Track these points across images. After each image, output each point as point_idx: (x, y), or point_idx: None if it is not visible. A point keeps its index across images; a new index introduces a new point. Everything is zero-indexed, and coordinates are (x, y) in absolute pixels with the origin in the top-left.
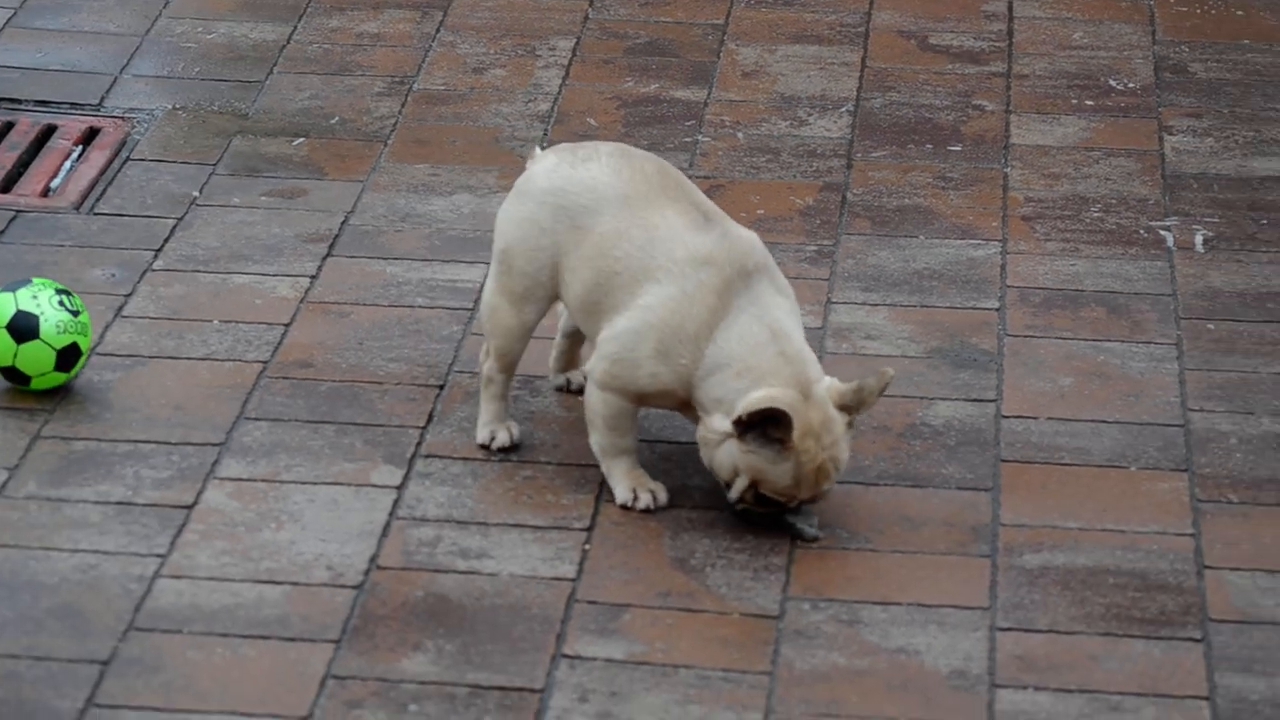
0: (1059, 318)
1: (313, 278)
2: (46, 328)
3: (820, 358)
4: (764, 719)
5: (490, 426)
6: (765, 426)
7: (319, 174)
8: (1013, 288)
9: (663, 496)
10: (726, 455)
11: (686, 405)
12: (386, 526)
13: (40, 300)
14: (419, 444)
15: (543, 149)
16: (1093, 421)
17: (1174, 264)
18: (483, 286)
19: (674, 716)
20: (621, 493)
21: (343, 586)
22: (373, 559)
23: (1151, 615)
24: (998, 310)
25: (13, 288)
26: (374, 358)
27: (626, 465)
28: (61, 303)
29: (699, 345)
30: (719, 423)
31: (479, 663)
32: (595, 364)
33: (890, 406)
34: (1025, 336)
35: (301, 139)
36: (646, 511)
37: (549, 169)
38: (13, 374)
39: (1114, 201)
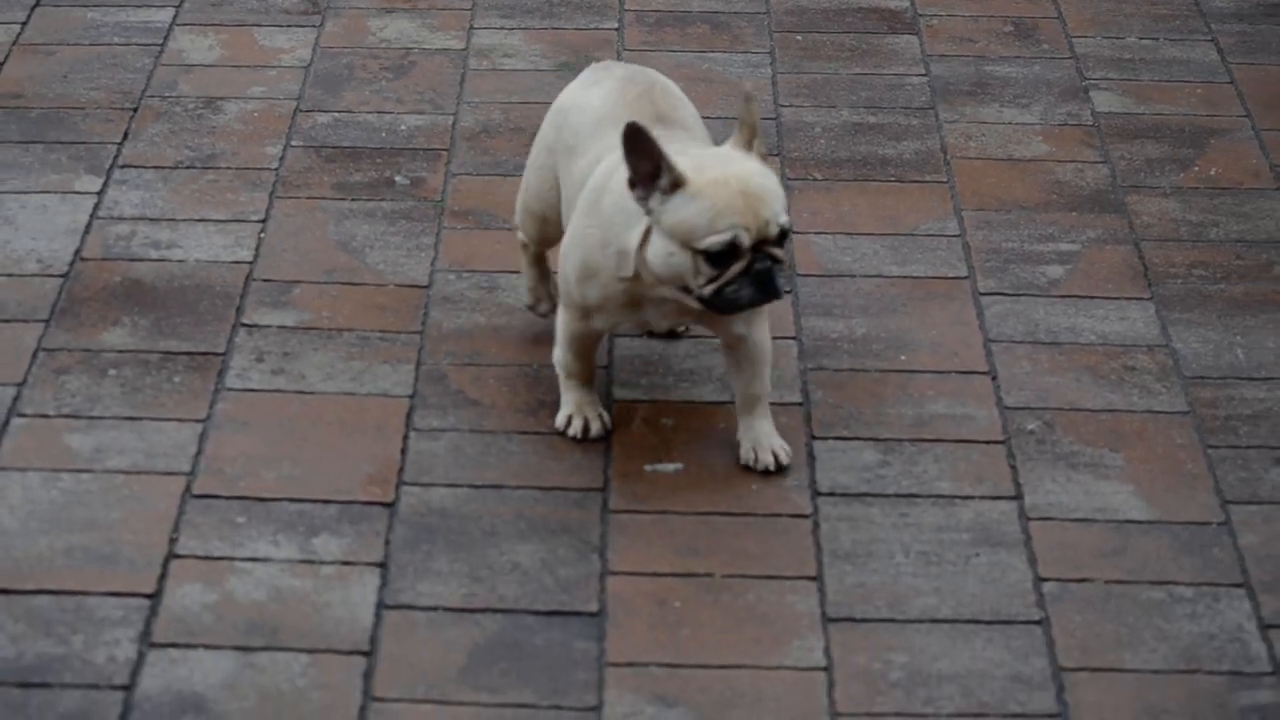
0: (670, 34)
1: (23, 24)
2: None
3: (463, 76)
4: (415, 369)
5: (535, 291)
6: (656, 179)
7: None
8: (630, 11)
9: (595, 428)
10: (661, 252)
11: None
12: (88, 225)
13: None
14: (116, 157)
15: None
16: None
17: None
18: (170, 29)
19: (338, 370)
20: (560, 417)
21: (51, 276)
22: (77, 252)
23: None
24: (617, 29)
25: None
26: (76, 88)
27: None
28: None
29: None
30: (636, 234)
31: (169, 333)
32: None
33: (524, 111)
34: (641, 50)
35: None
36: (574, 439)
37: (571, 87)
38: None
39: None
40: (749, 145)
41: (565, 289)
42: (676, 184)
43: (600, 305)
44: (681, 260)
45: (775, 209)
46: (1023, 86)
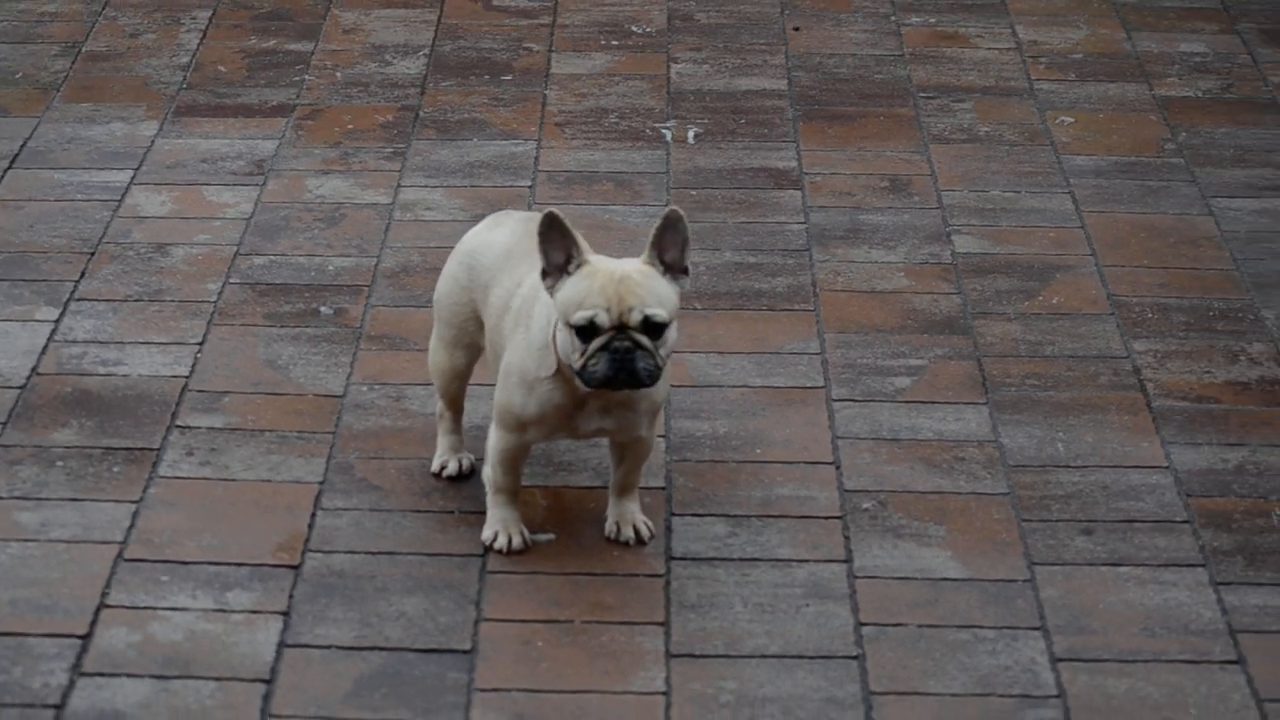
0: (577, 190)
1: None
2: None
3: (388, 225)
4: (326, 462)
5: (443, 458)
6: (565, 267)
7: (4, 114)
8: (543, 171)
9: (517, 543)
10: (559, 334)
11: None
12: (45, 347)
13: None
14: (73, 292)
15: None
16: None
17: (670, 153)
18: (128, 188)
19: (258, 462)
20: (487, 532)
21: (9, 388)
22: (33, 368)
23: None
24: (530, 187)
25: None
26: (41, 235)
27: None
28: None
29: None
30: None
31: (111, 433)
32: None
33: (440, 254)
34: (549, 203)
35: None
36: (499, 553)
37: (475, 231)
38: None
39: (628, 111)
40: (662, 259)
41: (505, 403)
42: (580, 267)
43: (539, 415)
44: (564, 338)
45: (643, 299)
46: (891, 232)
